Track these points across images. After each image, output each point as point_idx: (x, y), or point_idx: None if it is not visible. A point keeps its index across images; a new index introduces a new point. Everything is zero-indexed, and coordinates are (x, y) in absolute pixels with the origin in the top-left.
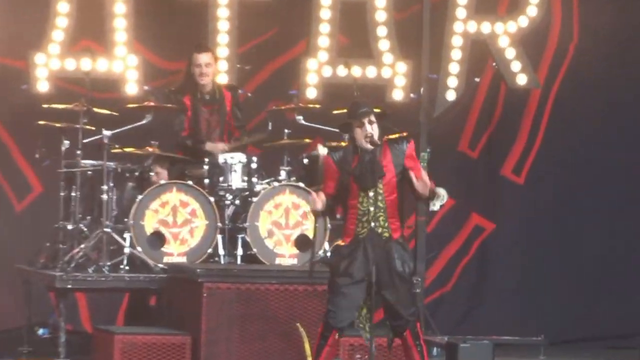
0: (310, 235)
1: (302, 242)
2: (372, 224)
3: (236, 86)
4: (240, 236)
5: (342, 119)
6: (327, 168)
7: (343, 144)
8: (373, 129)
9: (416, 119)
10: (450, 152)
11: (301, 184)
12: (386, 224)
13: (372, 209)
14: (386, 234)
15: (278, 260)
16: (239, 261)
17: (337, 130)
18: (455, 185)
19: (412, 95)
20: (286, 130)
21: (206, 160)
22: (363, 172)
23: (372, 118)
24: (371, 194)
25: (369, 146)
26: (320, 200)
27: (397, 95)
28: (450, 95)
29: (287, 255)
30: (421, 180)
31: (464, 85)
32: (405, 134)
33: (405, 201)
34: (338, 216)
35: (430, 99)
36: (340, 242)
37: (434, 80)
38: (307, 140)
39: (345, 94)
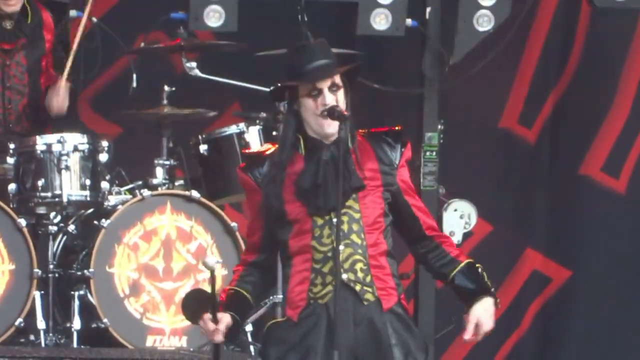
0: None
1: (196, 305)
2: (344, 276)
3: (66, 4)
4: (77, 294)
5: (275, 68)
6: (248, 194)
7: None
8: (338, 99)
9: (416, 69)
10: (484, 131)
11: (195, 194)
12: (368, 278)
13: (341, 247)
14: (369, 297)
15: (150, 341)
16: (74, 342)
17: (266, 90)
18: (494, 195)
19: (409, 21)
20: (166, 89)
21: (11, 147)
22: (318, 180)
23: (337, 80)
24: (336, 221)
25: (329, 130)
26: (218, 329)
27: (381, 21)
28: (484, 23)
29: (167, 332)
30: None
31: (509, 3)
32: (399, 127)
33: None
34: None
35: (444, 31)
36: (278, 320)
37: None
38: (208, 113)
39: (281, 19)
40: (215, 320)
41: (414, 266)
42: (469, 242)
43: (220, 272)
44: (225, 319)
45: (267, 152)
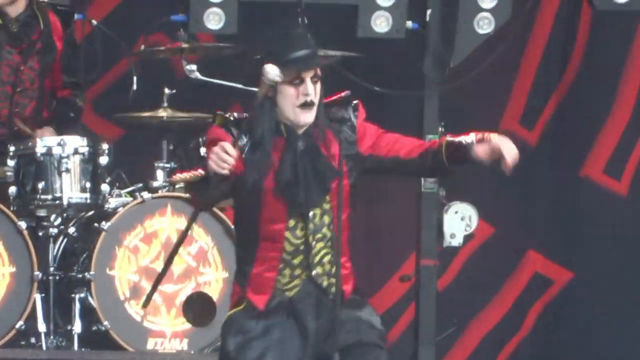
0: (214, 295)
1: (199, 309)
2: (313, 270)
3: (72, 10)
4: (78, 296)
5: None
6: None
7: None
8: (316, 91)
9: (417, 71)
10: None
11: None
12: (334, 269)
13: (313, 242)
14: (333, 289)
15: (151, 344)
16: (75, 345)
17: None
18: (495, 197)
19: (409, 24)
20: (167, 91)
21: (11, 149)
22: (298, 174)
23: (318, 72)
24: (311, 213)
25: (305, 120)
26: (230, 155)
27: (382, 23)
28: (485, 25)
29: (168, 335)
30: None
31: (510, 5)
32: (344, 93)
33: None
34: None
35: (445, 33)
36: (238, 308)
37: None
38: (208, 117)
39: (281, 22)
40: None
41: (415, 268)
42: (470, 244)
43: (221, 275)
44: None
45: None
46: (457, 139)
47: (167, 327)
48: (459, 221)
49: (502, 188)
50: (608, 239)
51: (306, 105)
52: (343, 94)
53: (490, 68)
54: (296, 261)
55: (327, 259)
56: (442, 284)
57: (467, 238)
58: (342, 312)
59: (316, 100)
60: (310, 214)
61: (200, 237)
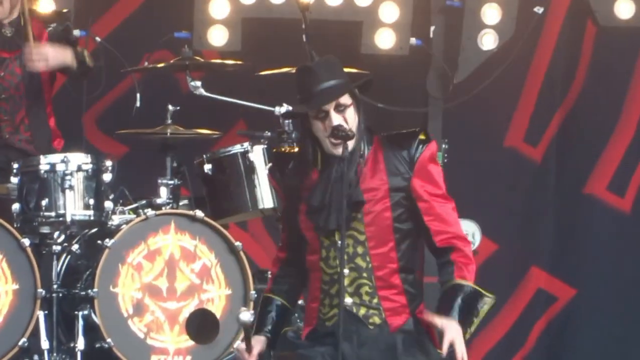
0: (217, 312)
1: (202, 326)
2: (348, 300)
3: (67, 15)
4: (81, 314)
5: (278, 87)
6: (277, 193)
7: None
8: (347, 117)
9: (420, 88)
10: (489, 150)
11: (199, 213)
12: (375, 301)
13: (346, 271)
14: (375, 320)
15: None
16: None
17: (269, 109)
18: (499, 214)
19: (413, 40)
20: (171, 108)
21: (14, 166)
22: (325, 200)
23: (343, 100)
24: (341, 242)
25: (337, 150)
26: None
27: (385, 40)
28: (488, 42)
29: (171, 352)
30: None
31: (513, 22)
32: (418, 129)
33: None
34: None
35: (448, 50)
36: (291, 328)
37: (455, 10)
38: (212, 133)
39: (285, 39)
40: (249, 349)
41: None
42: (476, 259)
43: (224, 292)
44: (257, 344)
45: (294, 152)
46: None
47: (171, 344)
48: None
49: (506, 205)
50: (612, 255)
51: (336, 136)
52: (415, 130)
53: (494, 85)
54: (333, 291)
55: (364, 289)
56: None
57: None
58: (404, 345)
59: (351, 126)
60: (341, 242)
61: (204, 254)
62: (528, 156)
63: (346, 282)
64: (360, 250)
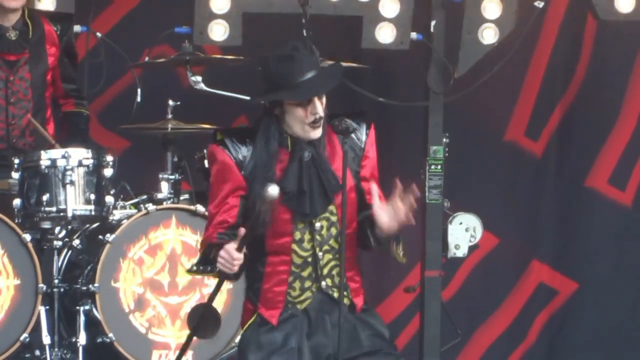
0: (219, 307)
1: (203, 321)
2: (322, 282)
3: (71, 15)
4: (82, 309)
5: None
6: (221, 169)
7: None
8: (323, 103)
9: (421, 82)
10: (490, 144)
11: (200, 208)
12: (343, 281)
13: (319, 253)
14: (346, 301)
15: (156, 356)
16: (80, 357)
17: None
18: (500, 207)
19: (414, 35)
20: (171, 103)
21: (15, 162)
22: (303, 186)
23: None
24: (318, 224)
25: (315, 136)
26: (237, 255)
27: (386, 34)
28: (489, 36)
29: (173, 347)
30: (385, 208)
31: (513, 16)
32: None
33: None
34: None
35: (449, 44)
36: (251, 323)
37: (455, 5)
38: (213, 128)
39: (285, 32)
40: (240, 249)
41: (420, 279)
42: (474, 255)
43: (226, 287)
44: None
45: (245, 131)
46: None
47: (172, 339)
48: (464, 232)
49: (507, 199)
50: (613, 249)
51: (315, 122)
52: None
53: (494, 79)
54: (305, 274)
55: (336, 271)
56: (446, 295)
57: (472, 249)
58: (357, 322)
59: (322, 113)
60: (317, 225)
61: None
62: (529, 150)
63: (321, 264)
64: (333, 231)
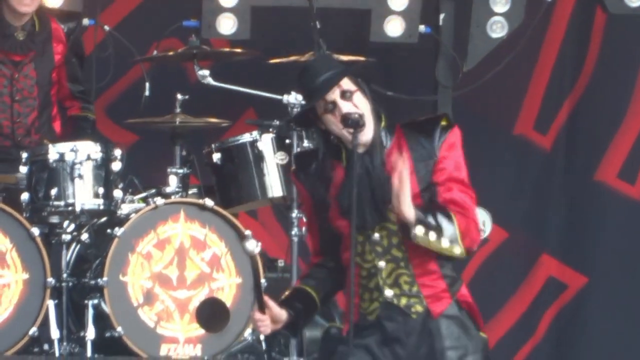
0: (227, 301)
1: (212, 315)
2: (388, 292)
3: (79, 14)
4: (91, 303)
5: (286, 75)
6: (300, 197)
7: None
8: (356, 103)
9: (430, 76)
10: (499, 138)
11: (209, 202)
12: (415, 289)
13: (382, 264)
14: (417, 308)
15: (165, 350)
16: (88, 351)
17: (278, 97)
18: (509, 201)
19: (422, 28)
20: (180, 97)
21: (24, 156)
22: (351, 200)
23: (347, 85)
24: (376, 235)
25: (361, 138)
26: (266, 319)
27: (394, 28)
28: (498, 30)
29: (181, 340)
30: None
31: (523, 10)
32: (440, 114)
33: None
34: None
35: (458, 37)
36: (334, 328)
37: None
38: (221, 122)
39: (294, 27)
40: (262, 309)
41: None
42: (484, 249)
43: (235, 281)
44: (277, 312)
45: (315, 150)
46: None
47: (181, 333)
48: None
49: (516, 193)
50: (622, 243)
51: (348, 123)
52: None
53: (503, 72)
54: (371, 285)
55: (402, 279)
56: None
57: (482, 243)
58: (448, 330)
59: (363, 111)
60: (376, 236)
61: (214, 243)
62: (538, 144)
63: (384, 274)
64: (394, 240)
